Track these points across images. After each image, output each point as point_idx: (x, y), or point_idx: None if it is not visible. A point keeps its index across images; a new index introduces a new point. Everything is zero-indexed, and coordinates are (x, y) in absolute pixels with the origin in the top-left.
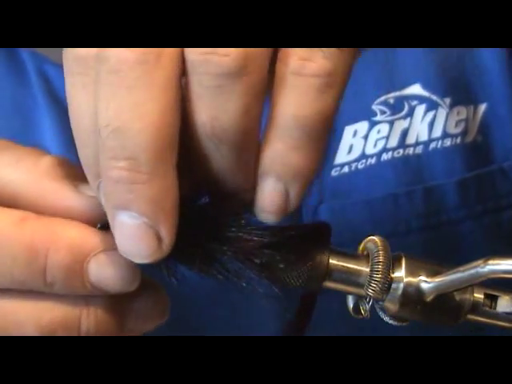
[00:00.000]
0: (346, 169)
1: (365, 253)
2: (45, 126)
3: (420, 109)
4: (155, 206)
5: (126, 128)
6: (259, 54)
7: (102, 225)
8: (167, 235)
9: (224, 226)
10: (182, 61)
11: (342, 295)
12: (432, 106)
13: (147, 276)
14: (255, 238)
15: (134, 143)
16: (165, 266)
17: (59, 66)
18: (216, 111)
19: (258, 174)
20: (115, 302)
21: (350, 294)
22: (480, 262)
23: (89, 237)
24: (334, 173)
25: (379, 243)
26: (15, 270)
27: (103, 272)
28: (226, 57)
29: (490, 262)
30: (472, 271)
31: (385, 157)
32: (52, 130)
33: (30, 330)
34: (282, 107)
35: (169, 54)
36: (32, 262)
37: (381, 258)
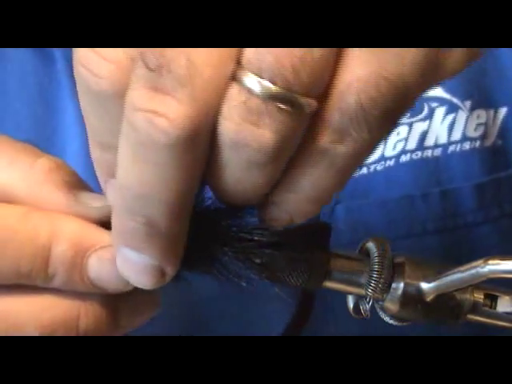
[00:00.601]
0: (364, 170)
1: (365, 252)
2: (68, 114)
3: (440, 111)
4: (166, 254)
5: (147, 195)
6: (292, 137)
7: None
8: (171, 271)
9: (224, 226)
10: (213, 136)
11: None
12: (452, 108)
13: None
14: (255, 238)
15: (154, 208)
16: None
17: None
18: (241, 179)
19: (267, 198)
20: (110, 299)
21: (350, 293)
22: (480, 261)
23: (91, 232)
24: None
25: (379, 243)
26: (22, 262)
27: (102, 268)
28: (259, 152)
29: (490, 261)
30: (472, 271)
31: (403, 159)
32: (74, 118)
33: (30, 331)
34: (302, 177)
35: (201, 139)
36: (37, 253)
37: (381, 258)
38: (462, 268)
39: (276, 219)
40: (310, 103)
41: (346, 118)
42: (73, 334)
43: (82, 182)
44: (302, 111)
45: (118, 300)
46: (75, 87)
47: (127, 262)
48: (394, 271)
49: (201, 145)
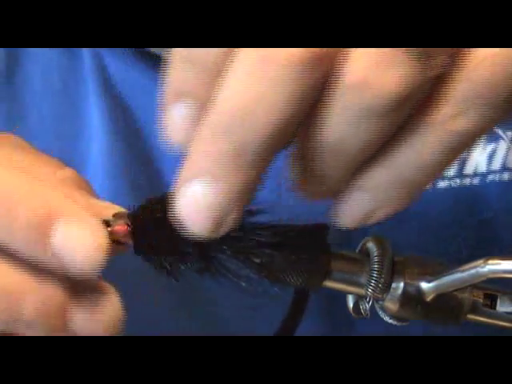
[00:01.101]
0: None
1: (365, 252)
2: (93, 113)
3: (481, 140)
4: (240, 192)
5: (251, 112)
6: (417, 90)
7: (103, 221)
8: (232, 221)
9: None
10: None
11: None
12: (493, 138)
13: (110, 285)
14: (255, 238)
15: (252, 130)
16: (164, 264)
17: (116, 52)
18: (348, 133)
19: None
20: (65, 293)
21: (350, 293)
22: (480, 261)
23: (64, 201)
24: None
25: (379, 242)
26: None
27: (69, 239)
28: (381, 98)
29: (490, 261)
30: (472, 271)
31: (441, 184)
32: (99, 117)
33: None
34: (404, 149)
35: (321, 70)
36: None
37: (381, 258)
38: (461, 268)
39: (356, 210)
40: (442, 59)
41: (474, 90)
42: (14, 317)
43: (96, 195)
44: (433, 65)
45: (74, 299)
46: (102, 86)
47: (192, 199)
48: (394, 271)
49: (320, 75)
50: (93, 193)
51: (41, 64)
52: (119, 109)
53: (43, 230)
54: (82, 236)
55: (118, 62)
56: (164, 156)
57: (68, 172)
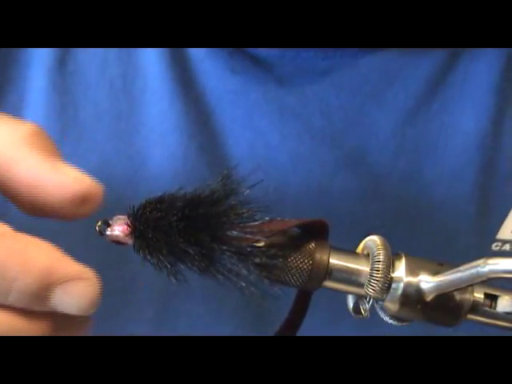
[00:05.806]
0: (507, 246)
1: (365, 252)
2: (153, 113)
3: None
4: None
5: None
6: None
7: (104, 221)
8: None
9: (224, 225)
10: None
11: None
12: None
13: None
14: (255, 238)
15: None
16: (164, 264)
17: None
18: None
19: None
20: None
21: (350, 293)
22: (480, 261)
23: (60, 265)
24: (494, 247)
25: (379, 242)
26: None
27: (65, 300)
28: None
29: (491, 261)
30: (472, 271)
31: None
32: (169, 120)
33: None
34: None
35: None
36: (1, 284)
37: (381, 257)
38: (461, 268)
39: None
40: None
41: None
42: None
43: (59, 154)
44: None
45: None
46: (177, 85)
47: None
48: (394, 271)
49: None
50: (55, 151)
51: (96, 55)
52: (195, 111)
53: (41, 295)
54: (78, 292)
55: (208, 62)
56: (241, 166)
57: (31, 128)
